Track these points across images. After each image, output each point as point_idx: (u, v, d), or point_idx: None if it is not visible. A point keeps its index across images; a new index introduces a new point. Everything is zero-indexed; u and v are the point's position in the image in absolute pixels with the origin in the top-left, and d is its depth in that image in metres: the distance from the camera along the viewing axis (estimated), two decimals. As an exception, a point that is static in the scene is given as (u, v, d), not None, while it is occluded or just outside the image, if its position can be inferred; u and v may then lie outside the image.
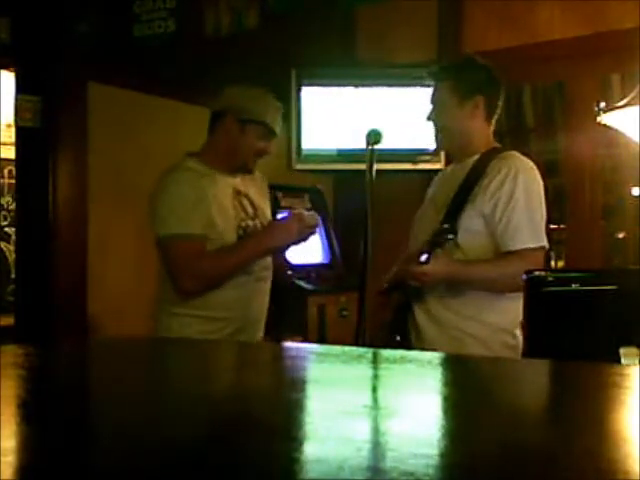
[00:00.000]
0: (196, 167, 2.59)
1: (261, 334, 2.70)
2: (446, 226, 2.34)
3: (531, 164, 2.44)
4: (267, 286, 2.71)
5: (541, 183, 2.43)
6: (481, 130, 2.50)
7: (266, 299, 2.71)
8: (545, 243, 2.41)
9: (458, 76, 2.50)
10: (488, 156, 2.45)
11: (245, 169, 2.65)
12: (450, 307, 2.41)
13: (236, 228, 2.58)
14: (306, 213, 2.68)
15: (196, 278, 2.52)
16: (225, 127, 2.61)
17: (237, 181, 2.65)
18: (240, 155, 2.61)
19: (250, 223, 2.62)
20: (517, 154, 2.47)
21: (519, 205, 2.34)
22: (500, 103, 2.53)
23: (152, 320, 2.65)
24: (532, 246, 2.34)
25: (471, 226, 2.38)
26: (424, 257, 2.31)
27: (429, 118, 2.54)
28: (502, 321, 2.39)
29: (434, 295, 2.42)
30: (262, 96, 2.65)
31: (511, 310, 2.40)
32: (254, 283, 2.62)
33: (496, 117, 2.54)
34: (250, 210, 2.65)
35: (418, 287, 2.42)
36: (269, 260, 2.69)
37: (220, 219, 2.54)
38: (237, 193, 2.64)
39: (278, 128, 2.65)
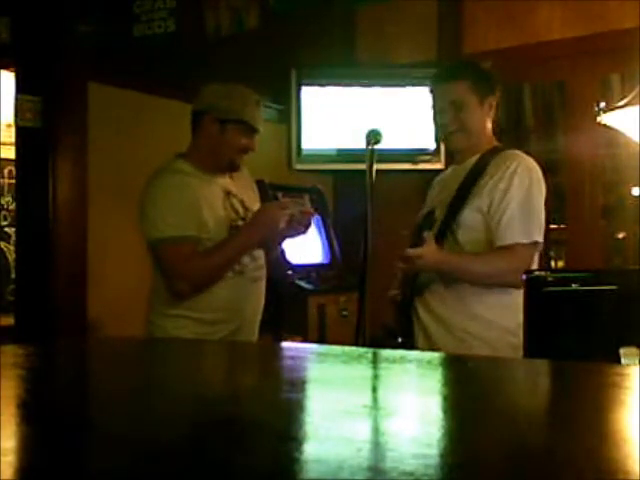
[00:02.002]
0: (185, 168, 2.58)
1: (256, 335, 2.69)
2: (430, 211, 2.35)
3: (533, 163, 2.44)
4: (262, 286, 2.69)
5: (542, 182, 2.42)
6: (488, 130, 2.52)
7: (261, 299, 2.70)
8: (538, 238, 2.40)
9: (476, 76, 2.48)
10: (489, 155, 2.45)
11: (232, 167, 2.64)
12: (451, 305, 2.41)
13: (228, 229, 2.57)
14: (291, 200, 2.65)
15: (189, 280, 2.51)
16: (205, 127, 2.59)
17: (226, 181, 2.64)
18: (224, 154, 2.59)
19: (240, 223, 2.61)
20: (519, 152, 2.47)
21: (514, 201, 2.34)
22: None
23: (146, 322, 2.64)
24: (523, 242, 2.34)
25: (470, 222, 2.38)
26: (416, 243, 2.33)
27: (439, 120, 2.49)
28: (505, 320, 2.39)
29: (433, 293, 2.42)
30: (240, 93, 2.62)
31: (513, 309, 2.40)
32: (248, 284, 2.61)
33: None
34: (241, 210, 2.64)
35: (419, 284, 2.41)
36: (262, 260, 2.68)
37: (211, 220, 2.54)
38: (227, 194, 2.62)
39: (259, 124, 2.62)
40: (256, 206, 2.73)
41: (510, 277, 2.35)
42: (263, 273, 2.69)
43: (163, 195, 2.52)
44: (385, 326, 2.53)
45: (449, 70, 2.60)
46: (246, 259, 2.59)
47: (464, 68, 2.58)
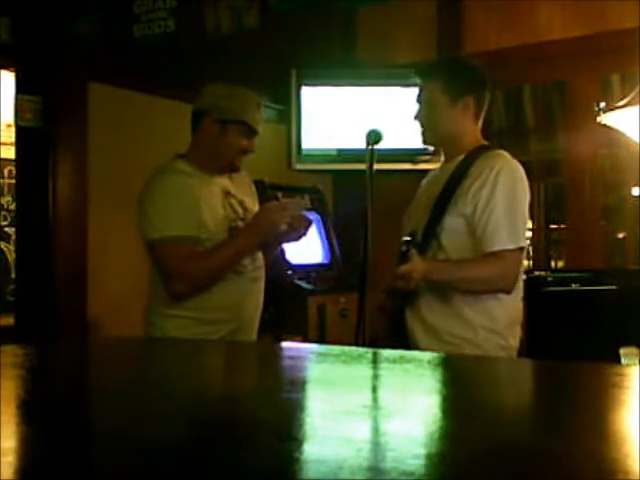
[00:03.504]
0: (184, 168, 2.58)
1: (255, 335, 2.68)
2: (408, 238, 2.34)
3: (516, 164, 2.41)
4: (260, 286, 2.69)
5: (525, 184, 2.40)
6: (470, 129, 2.48)
7: (260, 299, 2.69)
8: (524, 244, 2.40)
9: (449, 76, 2.47)
10: (474, 155, 2.43)
11: (231, 168, 2.64)
12: (439, 310, 2.39)
13: (227, 229, 2.57)
14: (291, 201, 2.63)
15: (188, 280, 2.51)
16: (206, 127, 2.58)
17: (225, 182, 2.64)
18: (223, 155, 2.59)
19: (240, 224, 2.60)
20: (503, 153, 2.45)
21: (499, 206, 2.32)
22: (487, 102, 2.51)
23: (145, 322, 2.63)
24: (510, 247, 2.33)
25: (454, 227, 2.36)
26: (403, 248, 2.32)
27: (417, 117, 2.52)
28: (493, 324, 2.38)
29: (424, 299, 2.40)
30: (241, 94, 2.61)
31: (502, 314, 2.39)
32: (247, 284, 2.61)
33: (484, 115, 2.52)
34: (240, 211, 2.64)
35: (408, 291, 2.40)
36: (261, 260, 2.68)
37: (211, 220, 2.53)
38: (226, 194, 2.62)
39: (259, 126, 2.61)
40: (255, 207, 2.73)
41: (498, 283, 2.35)
42: (262, 273, 2.69)
43: (163, 195, 2.52)
44: (378, 336, 2.52)
45: (423, 70, 2.59)
46: (246, 259, 2.58)
47: (437, 68, 2.56)
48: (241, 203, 2.66)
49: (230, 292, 2.56)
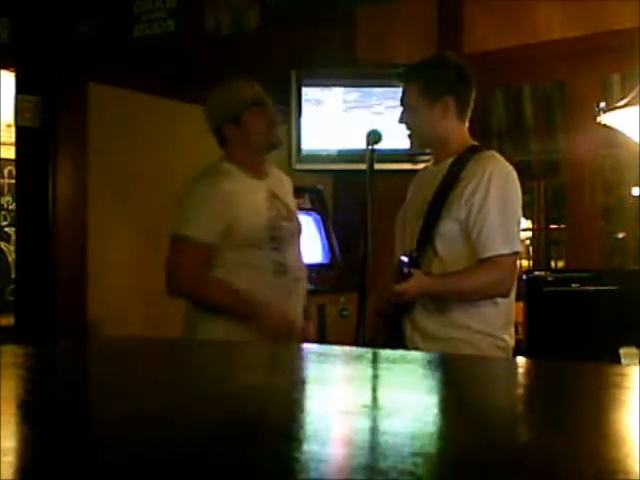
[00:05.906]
0: (231, 170, 2.62)
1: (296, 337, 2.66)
2: (406, 259, 2.34)
3: (508, 166, 2.40)
4: (303, 286, 2.69)
5: (517, 186, 2.39)
6: (455, 129, 2.45)
7: (302, 299, 2.68)
8: (518, 248, 2.40)
9: (426, 77, 2.45)
10: (464, 157, 2.40)
11: (271, 146, 2.68)
12: (435, 318, 2.38)
13: (267, 227, 2.57)
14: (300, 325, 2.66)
15: (177, 285, 2.54)
16: (229, 135, 2.65)
17: (269, 184, 2.67)
18: (257, 141, 2.64)
19: (284, 224, 2.63)
20: (494, 154, 2.43)
21: (492, 211, 2.31)
22: (472, 99, 2.48)
23: (184, 321, 2.64)
24: (505, 252, 2.32)
25: (449, 232, 2.35)
26: (405, 270, 2.31)
27: (401, 120, 2.51)
28: (489, 328, 2.37)
29: (419, 307, 2.39)
30: (233, 89, 2.69)
31: (497, 316, 2.39)
32: (291, 284, 2.61)
33: (470, 113, 2.49)
34: (284, 212, 2.66)
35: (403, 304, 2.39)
36: (302, 259, 2.70)
37: (251, 217, 2.55)
38: (272, 196, 2.65)
39: (264, 97, 2.67)
40: (296, 208, 2.77)
41: (496, 289, 2.35)
42: (304, 274, 2.70)
43: (197, 194, 2.56)
44: (376, 338, 2.52)
45: (403, 73, 2.58)
46: (288, 259, 2.59)
47: (416, 70, 2.53)
48: (285, 205, 2.69)
49: (273, 292, 2.55)
